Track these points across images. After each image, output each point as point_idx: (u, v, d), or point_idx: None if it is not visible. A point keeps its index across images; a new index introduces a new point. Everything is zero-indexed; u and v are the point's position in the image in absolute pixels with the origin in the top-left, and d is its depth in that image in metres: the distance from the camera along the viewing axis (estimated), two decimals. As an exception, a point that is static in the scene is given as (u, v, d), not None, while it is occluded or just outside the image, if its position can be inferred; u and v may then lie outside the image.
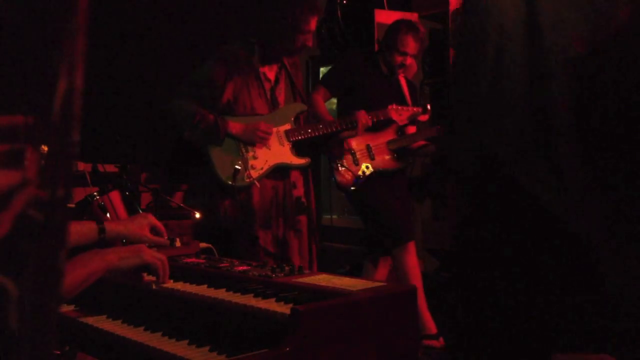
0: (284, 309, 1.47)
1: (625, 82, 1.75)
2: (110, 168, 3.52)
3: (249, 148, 3.25)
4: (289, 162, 3.29)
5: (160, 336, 1.61)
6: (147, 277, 1.89)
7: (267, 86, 3.34)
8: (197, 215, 3.57)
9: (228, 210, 3.24)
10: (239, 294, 1.67)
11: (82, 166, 3.43)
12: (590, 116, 1.77)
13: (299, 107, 3.38)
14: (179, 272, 1.92)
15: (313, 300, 1.49)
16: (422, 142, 3.99)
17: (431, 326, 3.63)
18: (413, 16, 4.62)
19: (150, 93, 4.16)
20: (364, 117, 3.50)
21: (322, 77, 4.19)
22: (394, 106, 3.78)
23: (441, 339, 3.59)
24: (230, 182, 3.14)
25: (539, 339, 1.82)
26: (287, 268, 1.83)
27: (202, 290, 1.74)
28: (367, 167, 3.81)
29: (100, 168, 3.35)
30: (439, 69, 5.07)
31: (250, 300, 1.59)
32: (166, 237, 2.11)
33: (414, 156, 4.22)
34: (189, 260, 2.06)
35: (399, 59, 3.91)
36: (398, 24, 3.98)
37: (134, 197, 3.07)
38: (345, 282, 1.66)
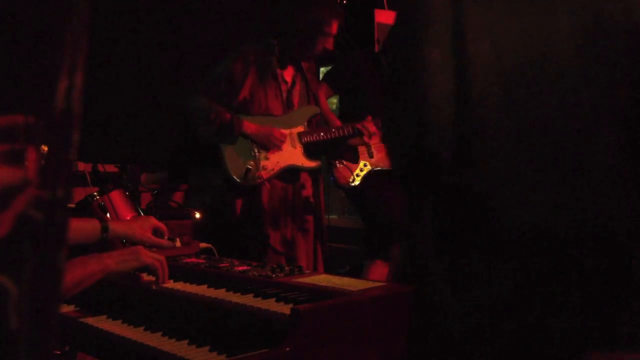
0: (284, 309, 1.47)
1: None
2: (110, 168, 3.52)
3: (262, 148, 3.26)
4: (300, 164, 3.32)
5: (160, 336, 1.61)
6: (147, 277, 1.89)
7: (284, 88, 3.37)
8: (197, 215, 3.57)
9: (238, 209, 3.26)
10: (239, 294, 1.67)
11: (82, 166, 3.43)
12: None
13: (313, 110, 3.40)
14: (179, 272, 1.91)
15: (313, 300, 1.49)
16: None
17: None
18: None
19: (150, 93, 4.16)
20: (372, 127, 3.49)
21: (325, 75, 4.20)
22: None
23: None
24: (241, 181, 3.15)
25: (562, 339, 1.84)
26: (287, 268, 1.83)
27: (202, 290, 1.74)
28: (365, 165, 3.81)
29: (100, 168, 3.35)
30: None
31: (250, 300, 1.59)
32: (167, 239, 2.11)
33: None
34: (189, 260, 2.06)
35: None
36: None
37: (134, 197, 3.07)
38: (345, 282, 1.66)
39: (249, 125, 3.23)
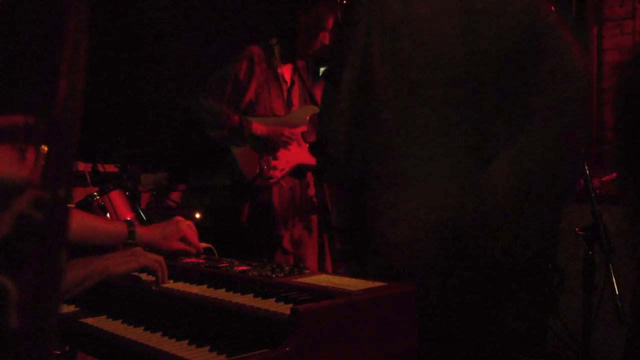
0: (284, 309, 1.47)
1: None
2: (110, 168, 3.52)
3: (270, 149, 3.27)
4: (307, 162, 3.33)
5: (160, 336, 1.61)
6: (146, 278, 1.89)
7: (284, 87, 3.38)
8: (197, 215, 3.58)
9: (247, 211, 3.26)
10: (239, 294, 1.67)
11: (82, 166, 3.43)
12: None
13: (312, 108, 3.42)
14: (179, 272, 1.91)
15: (313, 300, 1.49)
16: None
17: None
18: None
19: (150, 93, 4.16)
20: None
21: (325, 72, 4.21)
22: None
23: None
24: (257, 182, 3.16)
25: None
26: (287, 268, 1.83)
27: (202, 290, 1.74)
28: None
29: (100, 168, 3.35)
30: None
31: (250, 300, 1.59)
32: (197, 246, 2.12)
33: None
34: (188, 260, 2.06)
35: None
36: None
37: (134, 197, 3.07)
38: (345, 282, 1.66)
39: (258, 127, 3.24)
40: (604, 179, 3.81)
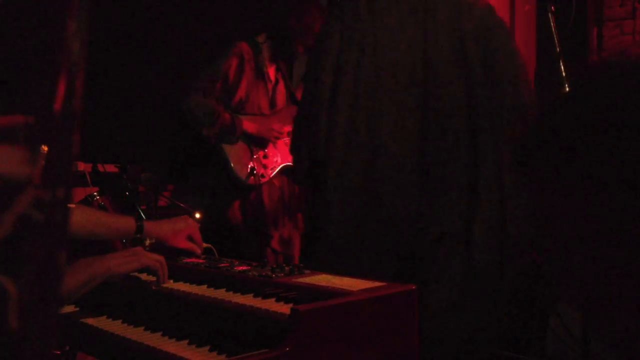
0: (284, 309, 1.47)
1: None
2: (111, 168, 3.51)
3: (260, 147, 3.27)
4: None
5: (160, 336, 1.61)
6: (147, 278, 1.89)
7: (270, 86, 3.37)
8: (197, 215, 3.57)
9: (238, 210, 3.26)
10: (239, 294, 1.67)
11: (82, 166, 3.42)
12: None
13: (296, 109, 3.42)
14: (179, 272, 1.91)
15: (313, 300, 1.49)
16: None
17: None
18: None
19: (151, 93, 4.15)
20: None
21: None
22: None
23: None
24: (249, 181, 3.16)
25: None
26: (287, 268, 1.83)
27: (202, 290, 1.74)
28: None
29: (100, 168, 3.34)
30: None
31: (250, 300, 1.59)
32: (202, 246, 2.13)
33: None
34: (188, 260, 2.06)
35: None
36: None
37: (134, 197, 3.07)
38: (345, 282, 1.66)
39: (249, 125, 3.23)
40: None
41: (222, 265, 1.94)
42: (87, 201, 2.81)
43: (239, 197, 3.25)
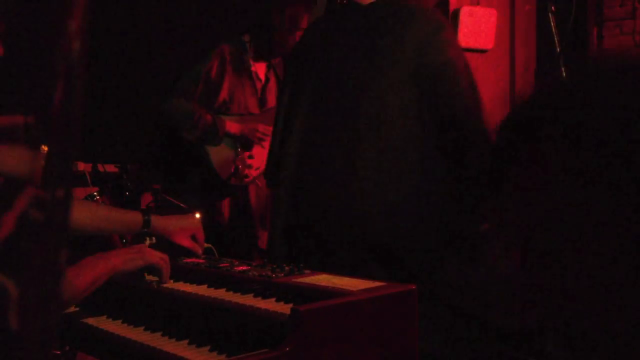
0: (284, 309, 1.47)
1: None
2: (111, 168, 3.52)
3: (245, 148, 3.26)
4: None
5: (160, 336, 1.61)
6: (148, 277, 1.89)
7: (259, 85, 3.37)
8: (197, 215, 3.57)
9: (227, 211, 3.25)
10: (239, 294, 1.67)
11: (82, 166, 3.43)
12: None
13: None
14: (179, 272, 1.91)
15: (313, 300, 1.49)
16: None
17: None
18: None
19: (151, 93, 4.15)
20: None
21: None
22: None
23: None
24: (231, 182, 3.15)
25: None
26: (287, 268, 1.83)
27: (202, 290, 1.74)
28: None
29: (100, 168, 3.34)
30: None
31: (250, 300, 1.59)
32: (202, 249, 2.13)
33: None
34: (188, 260, 2.06)
35: None
36: None
37: (134, 197, 3.07)
38: (345, 282, 1.66)
39: (232, 125, 3.22)
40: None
41: (222, 265, 1.94)
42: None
43: (225, 197, 3.25)
